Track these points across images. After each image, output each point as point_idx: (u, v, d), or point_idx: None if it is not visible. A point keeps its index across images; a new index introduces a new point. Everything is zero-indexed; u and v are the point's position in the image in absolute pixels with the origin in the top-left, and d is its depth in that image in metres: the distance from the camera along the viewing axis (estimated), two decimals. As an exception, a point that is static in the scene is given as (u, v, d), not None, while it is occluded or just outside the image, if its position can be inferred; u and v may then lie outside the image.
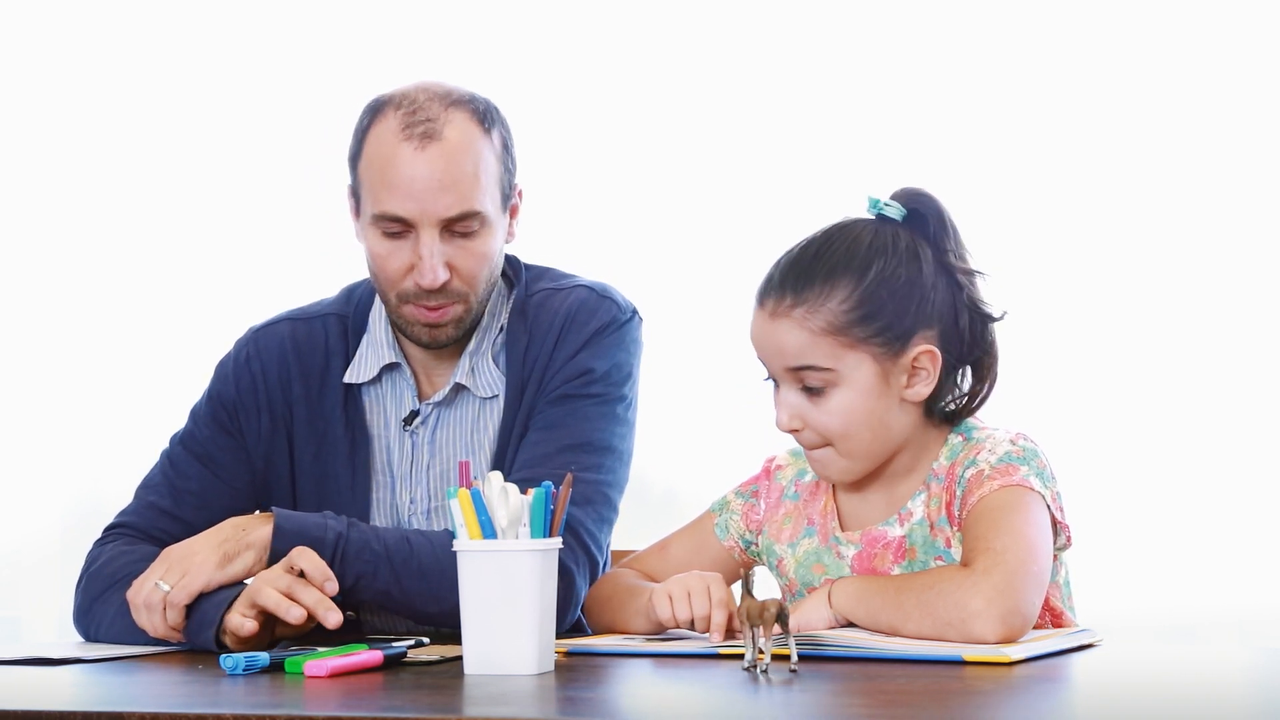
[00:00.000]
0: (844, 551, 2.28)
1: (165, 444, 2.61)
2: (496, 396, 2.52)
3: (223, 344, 2.65)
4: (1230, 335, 3.46)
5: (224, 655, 2.03)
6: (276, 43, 3.99)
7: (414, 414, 2.53)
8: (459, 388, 2.52)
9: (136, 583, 2.31)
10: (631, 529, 3.70)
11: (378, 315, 2.56)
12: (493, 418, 2.52)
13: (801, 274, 2.21)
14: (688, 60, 3.76)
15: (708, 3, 3.77)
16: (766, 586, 2.24)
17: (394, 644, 2.10)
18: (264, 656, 2.02)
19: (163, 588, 2.27)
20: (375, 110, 2.46)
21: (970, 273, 2.24)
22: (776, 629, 1.90)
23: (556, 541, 1.96)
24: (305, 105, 3.91)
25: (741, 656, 1.93)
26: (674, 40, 3.76)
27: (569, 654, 2.12)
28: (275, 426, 2.55)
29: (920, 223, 2.24)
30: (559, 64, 3.83)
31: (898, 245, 2.21)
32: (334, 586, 2.21)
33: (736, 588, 2.05)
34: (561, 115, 3.80)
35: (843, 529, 2.30)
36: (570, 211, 3.80)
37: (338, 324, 2.58)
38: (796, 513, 2.35)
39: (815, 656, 2.00)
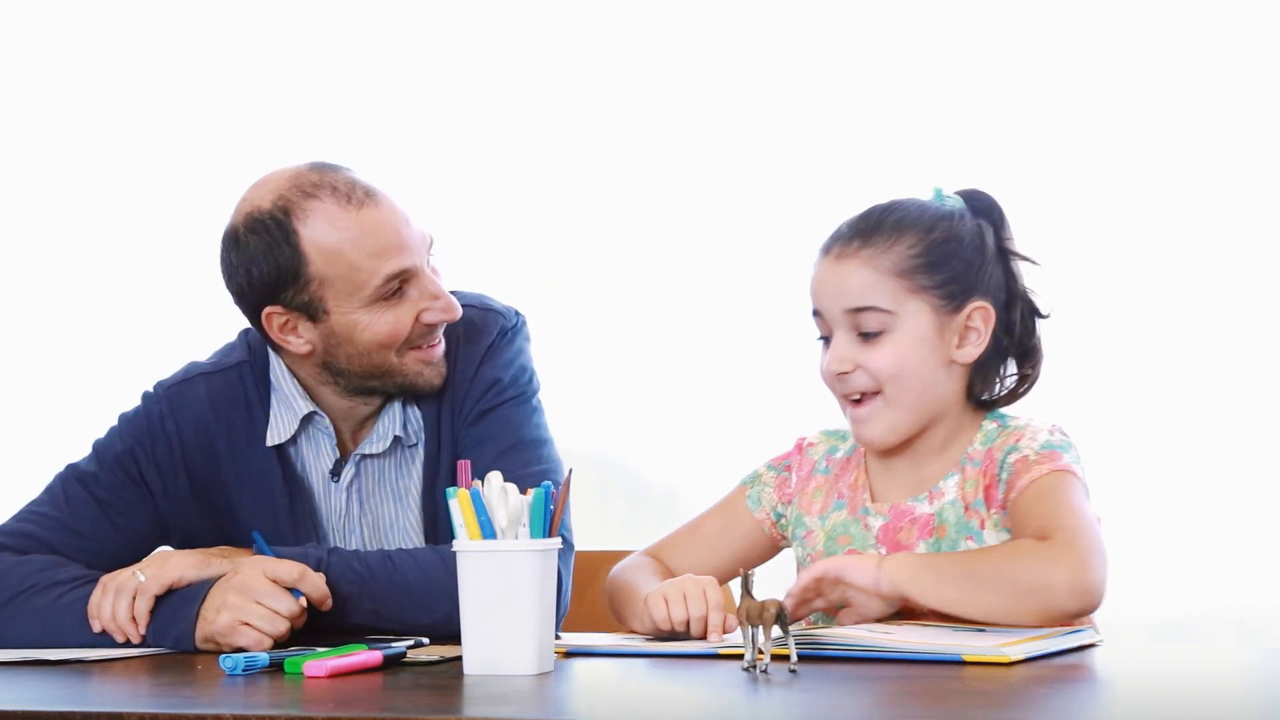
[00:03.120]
0: (871, 523, 2.31)
1: (63, 468, 2.55)
2: (416, 444, 2.51)
3: (217, 344, 2.62)
4: (1228, 335, 3.45)
5: (224, 655, 2.03)
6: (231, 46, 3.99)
7: (339, 464, 2.52)
8: (398, 439, 2.51)
9: (114, 572, 2.33)
10: (631, 529, 3.71)
11: (279, 370, 2.51)
12: (414, 464, 2.52)
13: (871, 224, 2.28)
14: (674, 60, 3.76)
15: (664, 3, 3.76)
16: (776, 580, 2.25)
17: (393, 644, 2.10)
18: (264, 657, 2.03)
19: (139, 577, 2.29)
20: (285, 218, 2.38)
21: (1026, 258, 2.32)
22: (776, 629, 1.90)
23: (556, 541, 1.96)
24: (278, 111, 3.91)
25: (741, 656, 1.93)
26: (657, 40, 3.76)
27: (569, 654, 2.12)
28: (195, 488, 2.50)
29: (983, 211, 2.33)
30: (545, 63, 3.83)
31: (964, 218, 2.30)
32: (329, 604, 2.27)
33: (737, 589, 2.05)
34: (563, 114, 3.80)
35: (873, 501, 2.34)
36: (572, 212, 3.79)
37: (251, 373, 2.52)
38: (828, 486, 2.38)
39: (815, 656, 2.00)
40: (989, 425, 2.31)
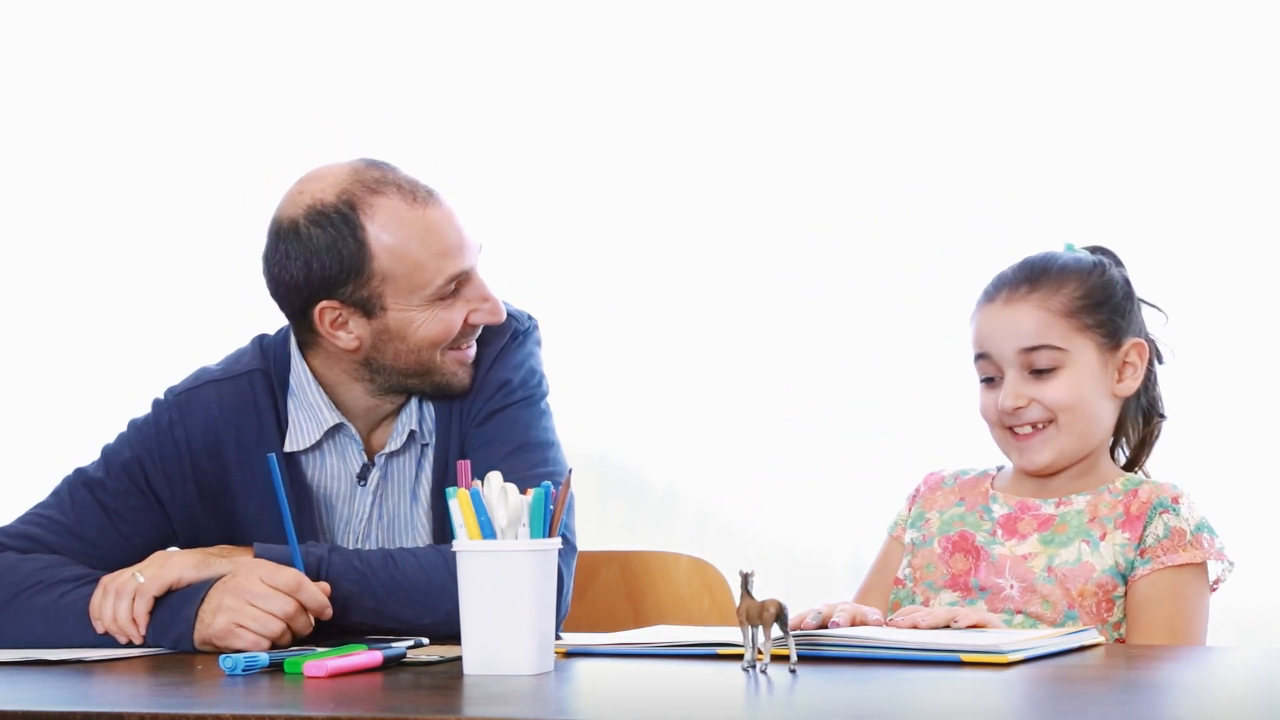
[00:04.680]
0: (994, 510, 2.47)
1: (71, 470, 2.55)
2: (429, 443, 2.52)
3: (225, 347, 2.61)
4: (1226, 332, 3.44)
5: (224, 655, 2.04)
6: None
7: (366, 468, 2.52)
8: (413, 434, 2.52)
9: (114, 573, 2.33)
10: (631, 529, 3.71)
11: (302, 376, 2.51)
12: (427, 462, 2.53)
13: (1036, 270, 2.46)
14: (674, 61, 3.76)
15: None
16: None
17: (393, 644, 2.10)
18: (264, 657, 2.03)
19: (139, 579, 2.30)
20: (351, 212, 2.39)
21: (1155, 306, 2.52)
22: (776, 629, 1.90)
23: (555, 541, 1.96)
24: (285, 117, 3.90)
25: (741, 656, 1.93)
26: (659, 41, 3.76)
27: (569, 654, 2.12)
28: (203, 494, 2.50)
29: (1119, 263, 2.53)
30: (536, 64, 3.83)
31: (1112, 266, 2.50)
32: (329, 614, 2.26)
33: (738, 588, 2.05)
34: (560, 116, 3.81)
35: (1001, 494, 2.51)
36: (571, 213, 3.80)
37: (263, 380, 2.52)
38: (952, 493, 2.54)
39: (814, 656, 2.01)
40: (1131, 475, 2.50)
